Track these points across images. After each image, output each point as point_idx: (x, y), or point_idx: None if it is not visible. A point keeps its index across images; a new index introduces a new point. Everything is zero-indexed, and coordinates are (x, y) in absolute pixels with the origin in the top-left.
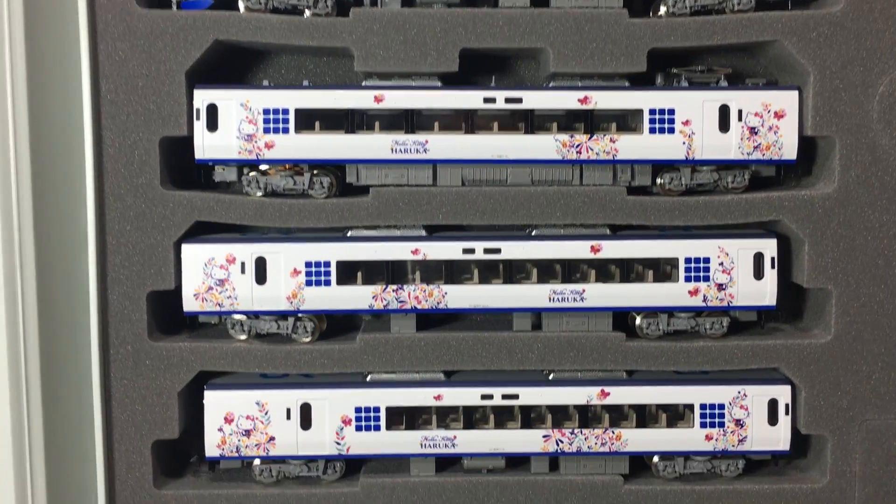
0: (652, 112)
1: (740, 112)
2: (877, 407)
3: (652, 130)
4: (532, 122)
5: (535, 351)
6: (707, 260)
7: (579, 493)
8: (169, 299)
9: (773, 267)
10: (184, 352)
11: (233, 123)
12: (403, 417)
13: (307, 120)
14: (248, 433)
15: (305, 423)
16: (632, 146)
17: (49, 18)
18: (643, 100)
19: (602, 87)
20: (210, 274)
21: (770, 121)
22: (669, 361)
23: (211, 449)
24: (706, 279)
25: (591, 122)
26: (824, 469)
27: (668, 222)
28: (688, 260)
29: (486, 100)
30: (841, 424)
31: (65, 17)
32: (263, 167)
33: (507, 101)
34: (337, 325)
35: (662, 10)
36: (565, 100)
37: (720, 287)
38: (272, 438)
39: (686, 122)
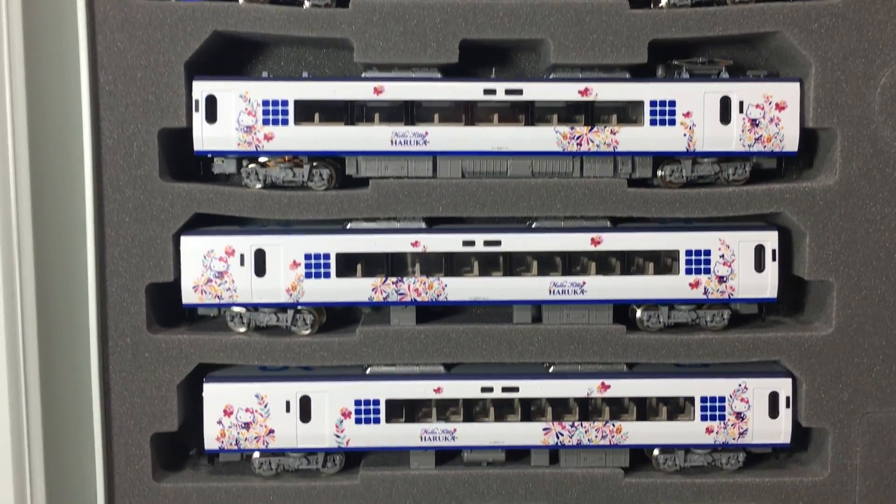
0: (653, 104)
1: (741, 104)
2: (878, 400)
3: (653, 122)
4: (532, 113)
5: (535, 344)
6: (708, 252)
7: (579, 486)
8: (168, 292)
9: (774, 259)
10: (183, 344)
11: (232, 115)
12: (403, 410)
13: (307, 112)
14: (247, 426)
15: (305, 415)
16: (632, 138)
17: (47, 9)
18: (644, 91)
19: (603, 78)
20: (209, 266)
21: (771, 112)
22: (670, 354)
23: (210, 442)
24: (707, 272)
25: (591, 113)
26: (825, 462)
27: (669, 214)
28: (688, 252)
29: (487, 91)
30: (842, 417)
31: (63, 7)
32: (263, 159)
33: (508, 92)
34: (336, 317)
35: (663, 0)
36: (566, 91)
37: (721, 279)
38: (271, 431)
39: (687, 114)
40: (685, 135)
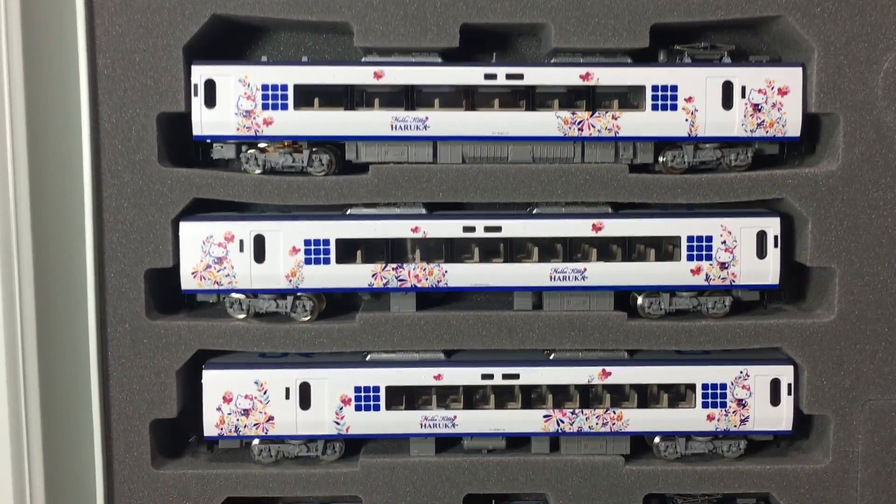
0: (654, 89)
1: (744, 89)
2: (880, 387)
3: (654, 107)
4: (533, 98)
5: (535, 330)
6: (709, 238)
7: (580, 474)
8: (167, 277)
9: (776, 246)
10: (182, 330)
11: (231, 99)
12: (403, 397)
13: (306, 96)
14: (246, 413)
15: (304, 402)
16: (634, 123)
17: None
18: (645, 76)
19: (604, 63)
20: (208, 252)
21: (774, 97)
22: (671, 341)
23: (209, 428)
24: (708, 258)
25: (592, 98)
26: (827, 449)
27: (671, 200)
28: (690, 238)
29: (487, 76)
30: (844, 404)
31: None
32: (262, 144)
33: (509, 77)
34: (336, 304)
35: None
36: (567, 76)
37: (723, 266)
38: (271, 418)
39: (689, 99)
40: (687, 120)
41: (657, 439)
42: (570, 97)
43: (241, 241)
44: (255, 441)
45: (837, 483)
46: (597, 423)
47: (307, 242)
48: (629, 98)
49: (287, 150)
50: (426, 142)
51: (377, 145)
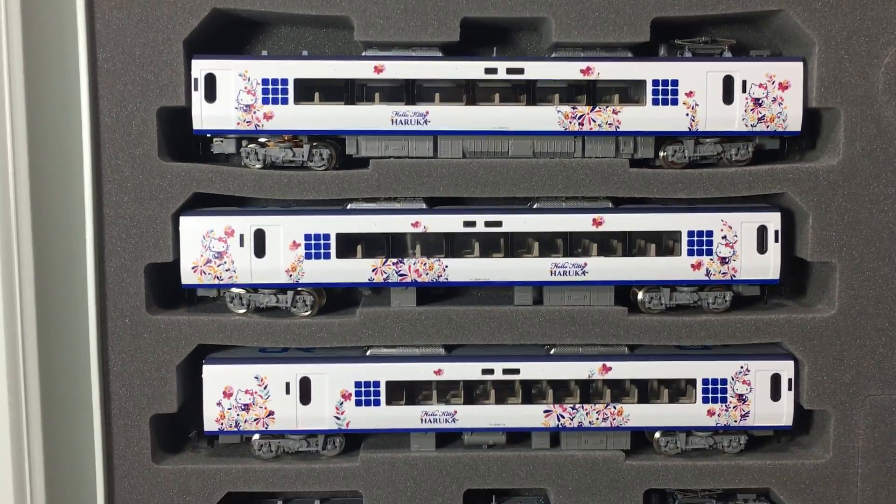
0: (655, 83)
1: (744, 83)
2: (880, 382)
3: (655, 102)
4: (534, 93)
5: (536, 325)
6: (710, 233)
7: (580, 469)
8: (167, 272)
9: (776, 241)
10: (182, 325)
11: (231, 94)
12: (403, 392)
13: (306, 91)
14: (247, 408)
15: (305, 397)
16: (634, 118)
17: None
18: (646, 71)
19: (605, 57)
20: (208, 246)
21: (774, 92)
22: (672, 336)
23: (210, 423)
24: (709, 253)
25: (593, 93)
26: (827, 445)
27: (671, 195)
28: (690, 233)
29: (488, 70)
30: (844, 400)
31: None
32: (262, 139)
33: (509, 71)
34: (336, 299)
35: None
36: (567, 70)
37: (723, 261)
38: (271, 413)
39: (689, 94)
40: (687, 115)
41: (657, 434)
42: (571, 92)
43: (242, 236)
44: (256, 436)
45: (838, 478)
46: (597, 419)
47: (307, 237)
48: (630, 92)
49: (287, 144)
50: (426, 136)
51: (377, 140)
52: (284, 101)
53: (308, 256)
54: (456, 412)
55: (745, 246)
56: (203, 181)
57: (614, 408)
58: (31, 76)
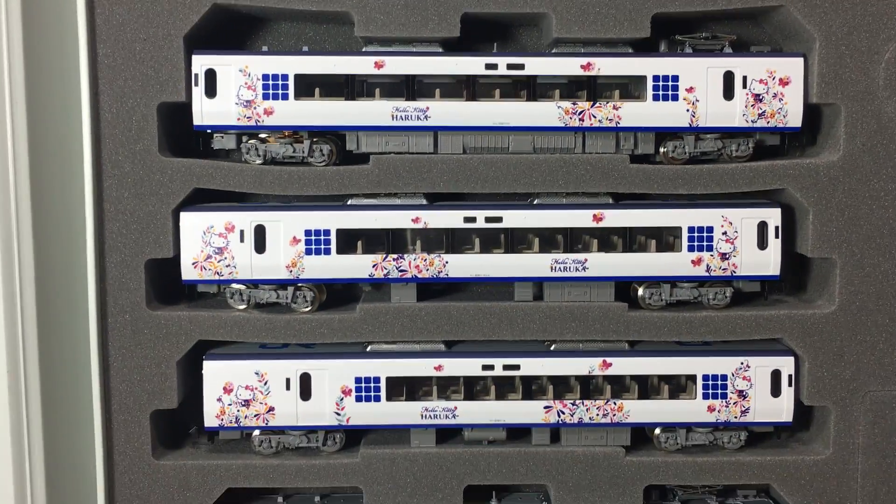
0: (655, 79)
1: (745, 79)
2: (881, 378)
3: (655, 97)
4: (534, 88)
5: (536, 321)
6: (710, 229)
7: (580, 465)
8: (167, 268)
9: (776, 237)
10: (182, 321)
11: (231, 89)
12: (404, 388)
13: (307, 86)
14: (247, 403)
15: (305, 393)
16: (635, 113)
17: None
18: (647, 66)
19: (605, 53)
20: (209, 242)
21: (775, 88)
22: (672, 332)
23: (210, 419)
24: (709, 248)
25: (593, 88)
26: (827, 441)
27: (672, 191)
28: (691, 229)
29: (488, 66)
30: (844, 396)
31: None
32: (263, 135)
33: (509, 67)
34: (337, 295)
35: None
36: (568, 66)
37: (723, 257)
38: (271, 409)
39: (690, 89)
40: (688, 110)
41: (658, 430)
42: (571, 87)
43: (242, 232)
44: (256, 432)
45: (838, 474)
46: (597, 415)
47: (308, 233)
48: (630, 88)
49: (288, 140)
50: (427, 132)
51: (378, 135)
52: (285, 97)
53: (308, 252)
54: (456, 408)
55: (746, 242)
56: (203, 177)
57: (614, 404)
58: (32, 72)
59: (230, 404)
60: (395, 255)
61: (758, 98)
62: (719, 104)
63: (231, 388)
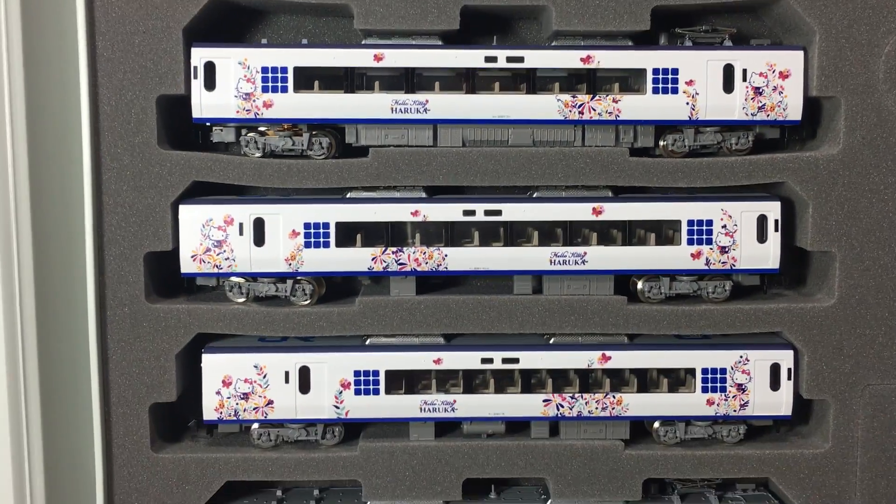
0: (655, 72)
1: (745, 72)
2: (880, 372)
3: (655, 90)
4: (534, 81)
5: (535, 314)
6: (710, 223)
7: (579, 458)
8: (166, 261)
9: (776, 230)
10: (181, 314)
11: (231, 82)
12: (403, 381)
13: (306, 79)
14: (246, 397)
15: (304, 386)
16: (635, 106)
17: None
18: (646, 59)
19: (605, 46)
20: (208, 235)
21: (775, 81)
22: (671, 325)
23: (209, 412)
24: (709, 242)
25: (593, 81)
26: (826, 434)
27: (671, 184)
28: (690, 222)
29: (488, 59)
30: (843, 389)
31: None
32: (262, 128)
33: (509, 60)
34: (336, 288)
35: None
36: (567, 59)
37: (723, 250)
38: (270, 402)
39: (690, 82)
40: (688, 103)
41: (657, 424)
42: (571, 80)
43: (241, 225)
44: (255, 425)
45: (837, 468)
46: (596, 408)
47: (307, 226)
48: (630, 81)
49: (287, 133)
50: (426, 125)
51: (377, 128)
52: (284, 90)
53: (307, 245)
54: (455, 401)
55: (745, 235)
56: (202, 169)
57: (613, 397)
58: (31, 64)
59: (229, 397)
60: (394, 249)
61: (758, 91)
62: (719, 97)
63: (230, 381)
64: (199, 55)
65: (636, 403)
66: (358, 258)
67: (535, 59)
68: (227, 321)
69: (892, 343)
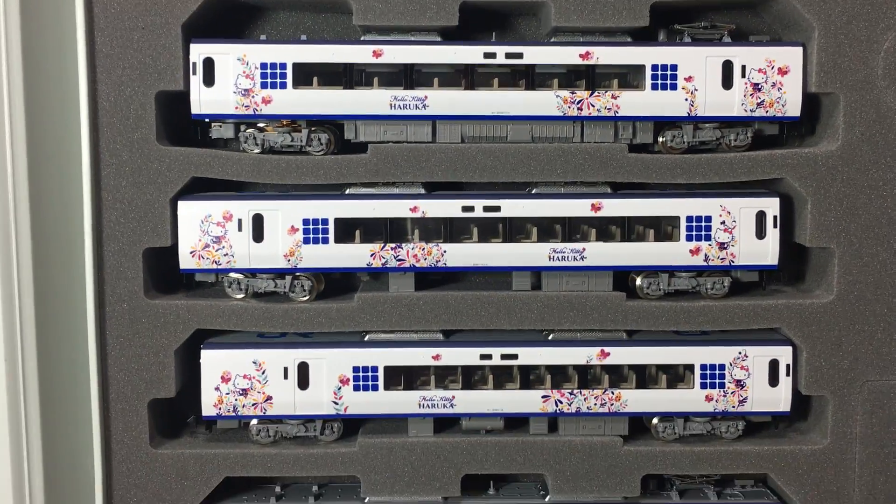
0: (654, 68)
1: (744, 68)
2: (879, 368)
3: (654, 87)
4: (533, 78)
5: (534, 310)
6: (709, 219)
7: (578, 454)
8: (165, 257)
9: (775, 226)
10: (180, 310)
11: (230, 78)
12: (402, 377)
13: (305, 75)
14: (245, 392)
15: (303, 382)
16: (633, 103)
17: None
18: (645, 55)
19: (604, 42)
20: (207, 231)
21: (774, 77)
22: (670, 321)
23: (208, 408)
24: (707, 238)
25: (592, 78)
26: (825, 431)
27: (670, 180)
28: (689, 219)
29: (487, 55)
30: (842, 385)
31: None
32: (261, 124)
33: (508, 56)
34: (335, 284)
35: None
36: (566, 55)
37: (722, 246)
38: (269, 398)
39: (689, 79)
40: (686, 100)
41: (655, 420)
42: (570, 76)
43: (240, 221)
44: (254, 421)
45: (835, 464)
46: (595, 404)
47: (306, 222)
48: (629, 77)
49: (286, 129)
50: (425, 121)
51: (376, 124)
52: (283, 86)
53: (306, 241)
54: (454, 397)
55: (744, 231)
56: (201, 166)
57: (612, 393)
58: (29, 60)
59: (228, 393)
60: (393, 245)
61: (756, 87)
62: (718, 93)
63: (229, 377)
64: (198, 51)
65: (635, 399)
66: (357, 254)
67: (534, 55)
68: (226, 317)
69: (891, 339)
